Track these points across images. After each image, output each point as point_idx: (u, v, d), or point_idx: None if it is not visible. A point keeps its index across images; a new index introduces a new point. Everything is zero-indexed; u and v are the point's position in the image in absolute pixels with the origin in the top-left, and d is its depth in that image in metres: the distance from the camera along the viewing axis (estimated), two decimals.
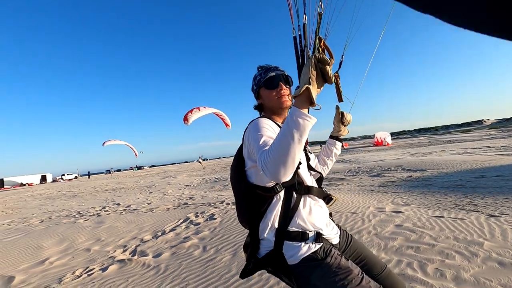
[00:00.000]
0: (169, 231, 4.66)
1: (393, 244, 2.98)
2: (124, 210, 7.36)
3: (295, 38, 1.20)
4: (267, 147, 0.97)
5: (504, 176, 6.18)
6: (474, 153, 11.49)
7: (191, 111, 13.29)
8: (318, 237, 1.10)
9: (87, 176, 54.46)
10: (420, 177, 7.31)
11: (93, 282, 3.03)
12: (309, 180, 1.21)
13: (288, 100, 1.27)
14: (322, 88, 0.94)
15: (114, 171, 52.18)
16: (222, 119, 14.91)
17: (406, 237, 3.12)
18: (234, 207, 5.89)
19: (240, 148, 1.26)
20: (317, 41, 1.03)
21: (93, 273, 3.29)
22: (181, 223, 5.14)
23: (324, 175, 1.41)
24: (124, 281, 2.98)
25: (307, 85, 0.87)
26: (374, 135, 30.81)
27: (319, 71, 0.91)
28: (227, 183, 11.73)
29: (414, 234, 3.19)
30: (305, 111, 0.89)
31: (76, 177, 55.81)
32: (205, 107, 13.76)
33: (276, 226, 1.10)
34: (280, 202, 1.12)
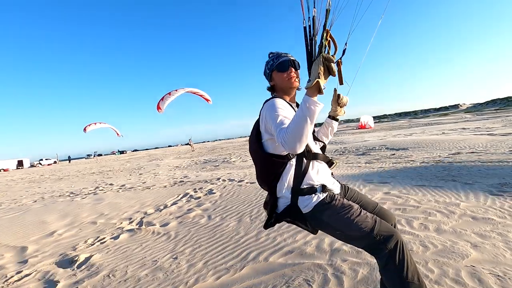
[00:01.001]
0: (171, 205, 4.87)
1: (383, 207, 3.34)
2: (120, 188, 7.45)
3: (305, 28, 1.41)
4: (283, 126, 1.23)
5: (477, 152, 6.76)
6: (451, 134, 12.23)
7: (162, 98, 12.99)
8: (324, 188, 1.40)
9: (68, 161, 52.83)
10: (403, 155, 7.82)
11: (108, 248, 3.23)
12: (315, 148, 1.52)
13: (296, 81, 1.53)
14: (327, 79, 1.21)
15: (96, 156, 50.76)
16: (200, 95, 14.60)
17: (394, 201, 3.51)
18: (231, 183, 6.15)
19: (257, 124, 1.50)
20: (324, 33, 1.27)
21: (105, 241, 3.48)
22: (181, 197, 5.35)
23: (326, 142, 1.74)
24: (138, 246, 3.19)
25: (317, 79, 1.14)
26: (358, 118, 31.66)
27: (325, 67, 1.17)
28: (217, 164, 11.94)
29: (400, 199, 3.57)
30: (315, 98, 1.15)
31: (55, 162, 53.99)
32: (176, 90, 13.40)
33: (292, 186, 1.39)
34: (294, 167, 1.40)
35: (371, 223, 1.27)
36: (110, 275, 2.52)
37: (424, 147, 8.64)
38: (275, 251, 2.55)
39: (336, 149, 11.17)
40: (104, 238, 3.59)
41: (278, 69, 1.50)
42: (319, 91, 1.16)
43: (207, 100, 13.99)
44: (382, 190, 4.09)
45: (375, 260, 2.01)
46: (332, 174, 1.57)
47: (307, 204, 1.36)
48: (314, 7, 1.35)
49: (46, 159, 53.27)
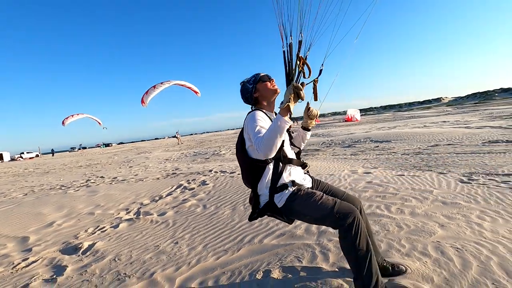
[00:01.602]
0: (166, 196, 5.06)
1: (365, 194, 3.67)
2: (112, 181, 7.54)
3: (284, 51, 1.77)
4: (260, 135, 1.53)
5: (453, 145, 7.25)
6: (432, 127, 12.83)
7: (146, 91, 12.86)
8: (293, 183, 1.71)
9: (51, 154, 51.34)
10: (386, 147, 8.24)
11: (110, 236, 3.41)
12: (291, 153, 1.83)
13: (277, 87, 1.87)
14: (297, 102, 1.54)
15: (80, 149, 49.50)
16: (188, 87, 14.49)
17: (375, 189, 3.83)
18: (223, 174, 6.37)
19: (242, 132, 1.80)
20: (297, 61, 1.62)
21: (105, 230, 3.65)
22: (176, 189, 5.54)
23: (301, 147, 2.04)
24: (138, 234, 3.39)
25: (288, 103, 1.47)
26: (345, 111, 32.27)
27: (295, 94, 1.49)
28: (208, 156, 12.10)
29: (381, 187, 3.91)
30: (286, 118, 1.47)
31: (37, 155, 52.35)
32: (162, 83, 13.27)
33: (269, 185, 1.68)
34: (271, 170, 1.69)
35: (331, 204, 1.55)
36: (116, 259, 2.72)
37: (406, 140, 9.11)
38: (268, 234, 2.81)
39: (323, 142, 11.54)
40: (104, 227, 3.76)
41: (262, 80, 1.83)
42: (290, 112, 1.48)
43: (196, 92, 13.92)
44: (365, 180, 4.41)
45: None
46: (308, 172, 1.92)
47: (280, 199, 1.66)
48: (290, 36, 1.66)
49: (27, 153, 51.54)
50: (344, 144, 10.22)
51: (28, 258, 2.99)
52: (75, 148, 64.81)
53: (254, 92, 1.84)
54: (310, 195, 1.62)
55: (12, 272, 2.70)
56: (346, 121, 31.11)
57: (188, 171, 7.78)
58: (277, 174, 1.67)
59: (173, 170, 8.35)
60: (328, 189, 1.87)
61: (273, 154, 1.49)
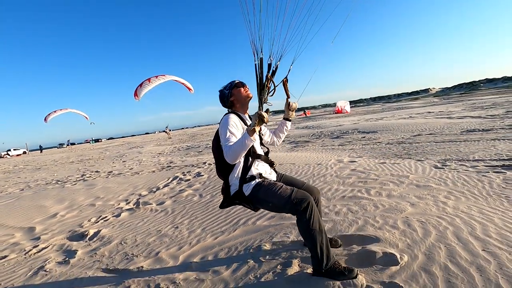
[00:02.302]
0: (163, 187, 5.31)
1: (349, 180, 4.01)
2: (108, 175, 7.72)
3: (255, 65, 2.04)
4: (228, 142, 1.79)
5: (434, 134, 7.69)
6: (417, 117, 13.34)
7: (140, 85, 12.76)
8: (260, 175, 1.99)
9: (39, 151, 50.39)
10: (372, 137, 8.65)
11: (113, 224, 3.67)
12: (260, 151, 2.11)
13: (250, 93, 2.15)
14: (262, 125, 1.82)
15: (69, 145, 48.75)
16: (182, 83, 14.49)
17: (358, 176, 4.18)
18: None
19: (217, 131, 2.06)
20: (266, 81, 1.98)
21: (108, 219, 3.90)
22: (172, 180, 5.79)
23: (274, 146, 2.36)
24: (140, 221, 3.65)
25: (254, 127, 1.73)
26: (335, 103, 32.73)
27: (260, 120, 1.73)
28: (200, 150, 12.32)
29: (363, 174, 4.25)
30: (252, 137, 1.70)
31: (25, 152, 51.32)
32: (157, 77, 13.20)
33: (240, 176, 1.97)
34: (242, 163, 1.98)
35: (289, 192, 1.84)
36: (122, 243, 2.99)
37: (391, 130, 9.54)
38: (260, 217, 3.11)
39: (313, 133, 11.91)
40: (106, 216, 4.01)
41: (237, 86, 2.11)
42: (254, 132, 1.75)
43: (189, 89, 13.97)
44: (350, 168, 4.76)
45: (338, 218, 2.65)
46: (275, 170, 2.20)
47: (248, 189, 1.94)
48: (261, 52, 1.95)
49: (14, 149, 50.44)
50: (333, 135, 10.60)
51: (38, 245, 3.22)
52: (64, 144, 63.68)
53: (230, 97, 2.10)
54: (272, 185, 1.91)
55: (25, 257, 2.94)
56: (336, 113, 31.60)
57: (183, 164, 8.01)
58: (247, 167, 1.95)
59: (167, 163, 8.56)
60: (289, 181, 2.16)
61: (237, 161, 1.79)
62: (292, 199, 1.79)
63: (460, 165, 4.28)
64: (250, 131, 1.74)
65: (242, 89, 2.09)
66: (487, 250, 1.85)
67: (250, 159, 1.97)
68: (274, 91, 2.04)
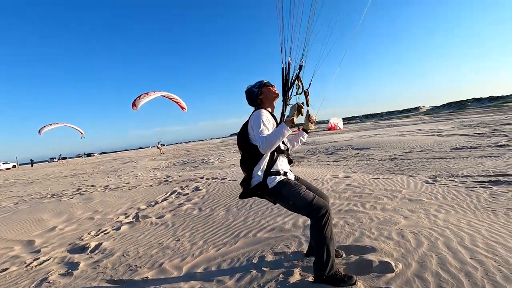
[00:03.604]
0: (162, 201, 5.36)
1: (344, 195, 4.15)
2: (105, 189, 7.71)
3: (283, 68, 2.27)
4: (262, 134, 1.92)
5: (425, 151, 7.96)
6: (408, 135, 13.72)
7: (139, 96, 13.09)
8: (285, 173, 2.12)
9: (30, 165, 49.45)
10: (365, 154, 8.88)
11: (113, 237, 3.70)
12: (283, 147, 2.25)
13: (277, 91, 2.30)
14: (298, 116, 2.01)
15: (60, 159, 48.06)
16: (176, 102, 14.78)
17: (353, 191, 4.33)
18: (214, 180, 6.72)
19: (246, 124, 2.19)
20: (297, 79, 2.18)
21: (108, 232, 3.93)
22: (170, 194, 5.85)
23: (290, 150, 2.42)
24: (141, 234, 3.70)
25: (292, 117, 1.93)
26: (328, 120, 33.28)
27: (298, 111, 1.95)
28: (197, 165, 12.38)
29: (358, 189, 4.41)
30: (289, 127, 1.91)
31: (14, 166, 50.25)
32: (154, 92, 13.55)
33: (265, 169, 2.09)
34: (268, 156, 2.11)
35: (311, 197, 1.97)
36: (125, 255, 3.04)
37: (384, 147, 9.81)
38: (261, 229, 3.22)
39: (308, 149, 12.12)
40: (106, 229, 4.04)
41: (266, 85, 2.25)
42: (292, 123, 1.94)
43: (183, 108, 14.21)
44: (345, 183, 4.92)
45: (335, 230, 2.77)
46: (290, 169, 2.33)
47: (272, 181, 2.05)
48: (290, 56, 2.14)
49: (4, 163, 49.37)
50: (327, 151, 10.83)
51: (39, 258, 3.23)
52: (55, 158, 62.70)
53: (259, 95, 2.24)
54: (297, 186, 2.03)
55: (27, 270, 2.96)
56: (329, 129, 32.11)
57: (180, 178, 8.07)
58: (272, 161, 2.07)
59: (164, 178, 8.60)
60: (306, 185, 2.27)
61: (270, 151, 1.91)
62: (313, 204, 1.91)
63: (450, 180, 4.48)
64: (288, 121, 1.89)
65: (271, 88, 2.23)
66: (474, 258, 2.00)
67: (276, 154, 2.09)
68: (303, 87, 2.21)
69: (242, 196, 2.18)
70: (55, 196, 7.46)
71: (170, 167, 12.82)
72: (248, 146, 2.10)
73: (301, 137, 2.44)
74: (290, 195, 2.00)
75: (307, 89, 2.22)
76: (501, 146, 7.22)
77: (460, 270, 1.88)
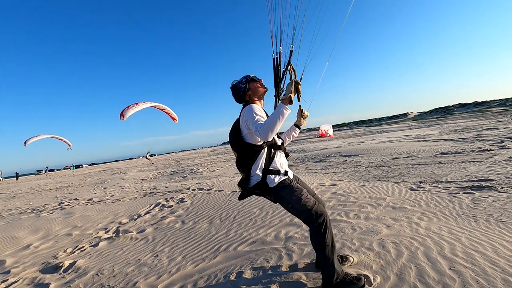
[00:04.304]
0: (145, 214, 5.20)
1: (329, 204, 4.10)
2: (88, 202, 7.46)
3: (273, 59, 2.21)
4: (259, 122, 1.84)
5: (411, 157, 8.03)
6: (396, 141, 13.88)
7: (128, 106, 12.96)
8: (286, 173, 2.04)
9: (15, 178, 47.98)
10: (353, 161, 8.90)
11: (90, 254, 3.54)
12: (279, 142, 2.17)
13: (265, 86, 2.22)
14: (295, 95, 1.91)
15: (47, 171, 46.82)
16: (167, 113, 14.69)
17: (338, 199, 4.29)
18: (200, 191, 6.60)
19: (237, 123, 2.11)
20: (288, 66, 2.10)
21: (85, 249, 3.76)
22: (154, 207, 5.69)
23: (285, 143, 2.35)
24: (119, 250, 3.55)
25: (290, 94, 1.84)
26: (318, 127, 33.54)
27: (295, 87, 1.87)
28: (185, 175, 12.19)
29: (343, 197, 4.37)
30: (287, 106, 1.82)
31: None
32: (144, 102, 13.42)
33: (263, 167, 2.01)
34: (265, 153, 2.03)
35: (312, 203, 1.93)
36: (99, 274, 2.89)
37: (371, 154, 9.87)
38: (242, 242, 3.12)
39: (298, 157, 12.11)
40: (83, 246, 3.87)
41: (253, 80, 2.17)
42: (290, 101, 1.85)
43: (174, 119, 14.09)
44: (331, 191, 4.88)
45: None
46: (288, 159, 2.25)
47: (272, 181, 1.97)
48: (280, 46, 2.10)
49: None
50: (316, 159, 10.83)
51: (7, 280, 3.05)
52: (42, 170, 61.14)
53: (247, 91, 2.15)
54: (298, 190, 1.96)
55: None
56: (320, 136, 32.34)
57: (166, 189, 7.90)
58: (270, 158, 2.00)
59: (150, 190, 8.41)
60: (306, 187, 2.20)
61: (272, 137, 1.77)
62: (313, 211, 1.87)
63: (433, 186, 4.49)
64: (285, 99, 1.80)
65: (258, 83, 2.14)
66: (453, 269, 1.96)
67: (273, 150, 2.01)
68: (296, 74, 2.12)
69: (241, 197, 2.12)
70: (35, 211, 7.17)
71: (158, 178, 12.59)
72: (242, 145, 2.02)
73: (293, 133, 2.38)
74: (290, 199, 1.94)
75: (299, 81, 2.07)
76: (484, 151, 7.34)
77: (438, 282, 1.83)
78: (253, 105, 2.01)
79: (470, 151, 7.62)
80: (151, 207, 5.69)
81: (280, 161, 2.05)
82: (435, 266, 2.02)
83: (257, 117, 1.89)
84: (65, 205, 7.63)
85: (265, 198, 2.38)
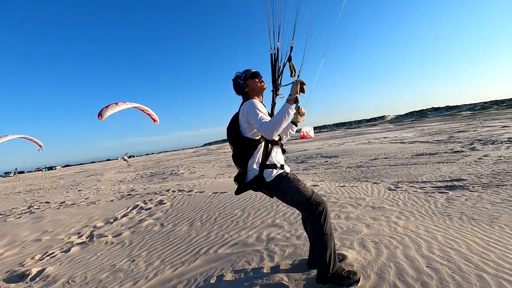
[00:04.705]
0: (122, 217, 4.99)
1: None
2: (60, 206, 7.08)
3: (271, 54, 2.18)
4: (263, 120, 1.83)
5: (389, 158, 8.28)
6: (374, 142, 14.30)
7: (107, 106, 12.56)
8: (282, 166, 2.03)
9: None
10: (334, 162, 9.05)
11: (61, 261, 3.33)
12: (277, 138, 2.15)
13: (264, 84, 2.21)
14: (300, 94, 1.91)
15: (17, 173, 44.22)
16: (148, 114, 14.40)
17: None
18: (181, 193, 6.44)
19: (235, 117, 2.08)
20: (289, 62, 2.11)
21: (55, 255, 3.54)
22: (132, 209, 5.48)
23: (282, 139, 2.32)
24: (93, 255, 3.37)
25: (296, 95, 1.86)
26: (300, 129, 33.97)
27: (301, 88, 1.88)
28: (165, 176, 11.90)
29: (324, 197, 4.40)
30: (293, 106, 1.85)
31: None
32: (124, 102, 13.08)
33: (260, 161, 1.99)
34: (262, 148, 2.02)
35: (310, 192, 1.92)
36: (70, 281, 2.72)
37: (351, 155, 10.09)
38: (223, 245, 3.05)
39: None
40: (53, 252, 3.64)
41: (251, 77, 2.13)
42: (295, 101, 1.87)
43: (154, 120, 13.78)
44: None
45: (299, 242, 2.68)
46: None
47: (269, 175, 1.95)
48: (278, 41, 2.07)
49: None
50: (297, 160, 10.92)
51: None
52: (10, 173, 57.74)
53: (244, 87, 2.13)
54: (296, 180, 1.95)
55: None
56: (301, 138, 32.75)
57: (145, 191, 7.65)
58: (267, 153, 1.98)
59: (128, 192, 8.11)
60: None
61: (276, 136, 1.79)
62: (312, 200, 1.85)
63: (410, 186, 4.63)
64: (291, 99, 1.80)
65: (257, 80, 2.12)
66: (430, 266, 2.00)
67: (270, 145, 2.00)
68: (295, 71, 2.09)
69: (238, 192, 2.08)
70: (0, 216, 6.70)
71: (137, 180, 12.21)
72: (240, 140, 2.01)
73: (290, 130, 2.36)
74: (288, 190, 1.92)
75: (290, 57, 2.10)
76: (456, 152, 7.70)
77: (416, 280, 1.86)
78: (254, 100, 2.00)
79: (443, 152, 7.96)
80: (129, 210, 5.48)
81: (277, 156, 2.05)
82: (413, 264, 2.06)
83: (260, 114, 1.88)
84: (34, 208, 7.19)
85: (246, 200, 2.35)
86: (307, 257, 2.42)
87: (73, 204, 7.11)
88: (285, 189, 1.93)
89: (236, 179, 2.08)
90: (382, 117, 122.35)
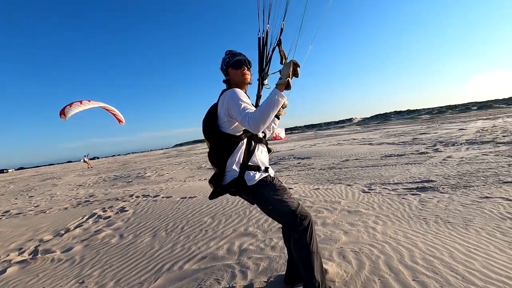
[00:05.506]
0: (75, 228, 4.41)
1: None
2: (3, 216, 6.20)
3: (259, 38, 1.85)
4: (247, 110, 1.52)
5: (359, 159, 8.39)
6: (344, 144, 14.62)
7: (70, 104, 11.56)
8: (267, 169, 1.74)
9: None
10: (307, 163, 9.00)
11: None
12: (261, 135, 1.86)
13: (248, 78, 1.85)
14: (293, 78, 1.57)
15: None
16: (113, 114, 13.55)
17: None
18: (145, 199, 5.93)
19: (213, 109, 1.75)
20: (279, 47, 1.78)
21: None
22: (88, 219, 4.89)
23: (266, 136, 2.03)
24: (33, 277, 2.85)
25: (288, 78, 1.51)
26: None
27: (293, 70, 1.54)
28: (130, 180, 11.13)
29: (299, 201, 4.22)
30: (283, 93, 1.51)
31: None
32: (89, 101, 12.15)
33: (241, 162, 1.68)
34: (244, 146, 1.70)
35: (296, 204, 1.65)
36: None
37: (323, 156, 10.14)
38: (189, 259, 2.71)
39: None
40: None
41: (233, 66, 1.79)
42: (287, 87, 1.53)
43: (120, 121, 12.92)
44: None
45: (274, 254, 2.43)
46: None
47: (251, 178, 1.65)
48: (268, 24, 1.77)
49: None
50: (270, 161, 10.73)
51: None
52: None
53: (226, 75, 1.83)
54: (281, 189, 1.66)
55: None
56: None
57: (105, 197, 6.99)
58: (250, 152, 1.68)
59: (86, 198, 7.38)
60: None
61: (263, 128, 1.48)
62: (297, 213, 1.60)
63: (383, 188, 4.61)
64: (281, 84, 1.49)
65: (239, 71, 1.78)
66: (416, 280, 1.85)
67: (253, 143, 1.72)
68: (286, 58, 1.76)
69: (213, 195, 1.75)
70: None
71: (99, 183, 11.29)
72: (217, 135, 1.68)
73: (273, 124, 2.09)
74: (271, 199, 1.62)
75: (280, 42, 1.80)
76: (421, 153, 7.99)
77: None
78: (237, 89, 1.68)
79: (410, 153, 8.23)
80: (84, 219, 4.89)
81: (261, 156, 1.76)
82: (398, 277, 1.89)
83: (243, 105, 1.57)
84: None
85: (217, 205, 2.04)
86: (283, 272, 2.17)
87: (19, 213, 6.27)
88: (268, 197, 1.64)
89: (212, 181, 1.76)
90: (350, 119, 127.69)
